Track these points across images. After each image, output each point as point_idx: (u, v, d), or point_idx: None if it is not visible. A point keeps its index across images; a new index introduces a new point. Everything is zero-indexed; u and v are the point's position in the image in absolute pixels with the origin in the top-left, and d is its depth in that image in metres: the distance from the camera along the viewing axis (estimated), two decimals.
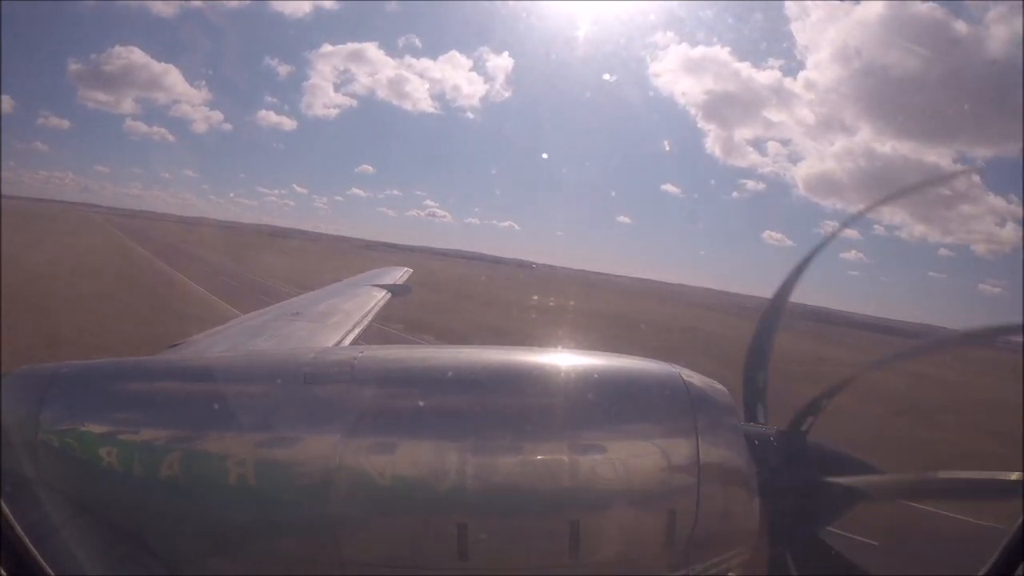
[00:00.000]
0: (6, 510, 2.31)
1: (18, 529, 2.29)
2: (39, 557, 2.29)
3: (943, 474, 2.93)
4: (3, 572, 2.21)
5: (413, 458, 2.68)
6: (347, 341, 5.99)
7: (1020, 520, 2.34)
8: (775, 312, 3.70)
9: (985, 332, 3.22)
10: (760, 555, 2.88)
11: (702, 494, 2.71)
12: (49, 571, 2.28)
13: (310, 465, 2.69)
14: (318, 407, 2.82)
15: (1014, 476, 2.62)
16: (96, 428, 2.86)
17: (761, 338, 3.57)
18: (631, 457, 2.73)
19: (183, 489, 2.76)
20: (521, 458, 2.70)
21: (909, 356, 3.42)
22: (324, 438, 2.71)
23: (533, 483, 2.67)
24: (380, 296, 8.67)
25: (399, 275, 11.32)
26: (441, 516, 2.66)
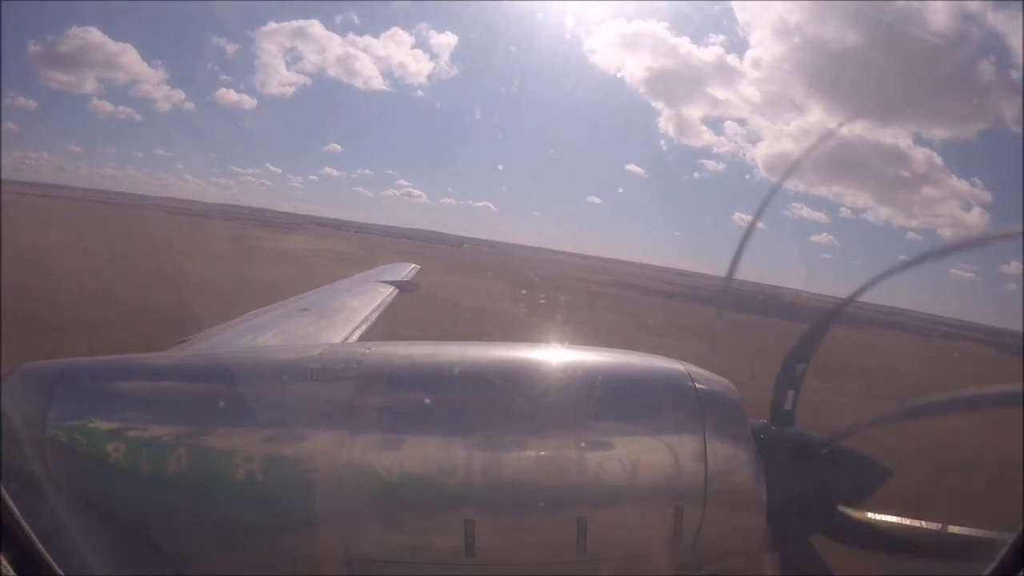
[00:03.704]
0: (13, 507, 2.29)
1: (25, 526, 2.27)
2: (46, 554, 2.27)
3: (953, 529, 2.86)
4: (10, 569, 2.19)
5: (421, 454, 2.69)
6: (355, 337, 6.01)
7: (1022, 525, 2.33)
8: (840, 310, 3.60)
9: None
10: (763, 554, 2.90)
11: (709, 491, 2.72)
12: (56, 568, 2.26)
13: (318, 461, 2.69)
14: (326, 403, 2.81)
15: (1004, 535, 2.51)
16: (104, 425, 2.85)
17: (816, 330, 3.44)
18: (638, 454, 2.74)
19: (191, 486, 2.75)
20: (528, 454, 2.71)
21: (925, 414, 3.46)
22: (332, 434, 2.71)
23: (540, 479, 2.68)
24: (387, 292, 8.73)
25: (406, 271, 11.39)
26: (448, 512, 2.67)
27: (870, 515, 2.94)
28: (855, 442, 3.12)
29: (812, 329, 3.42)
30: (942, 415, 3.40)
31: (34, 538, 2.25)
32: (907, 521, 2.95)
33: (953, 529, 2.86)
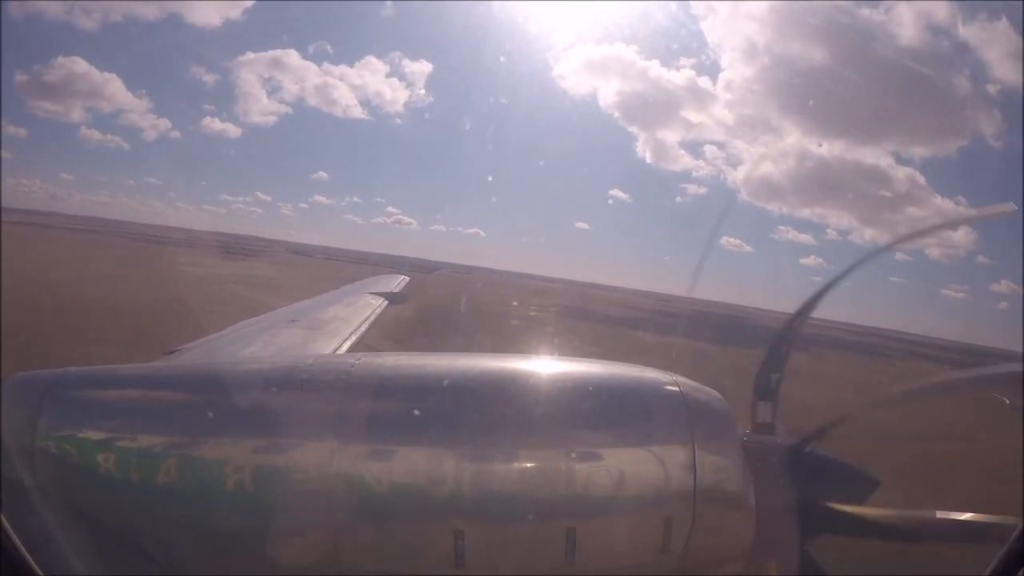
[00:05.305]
0: (2, 517, 2.28)
1: (14, 536, 2.26)
2: (35, 565, 2.26)
3: (940, 514, 2.89)
4: None
5: (410, 465, 2.70)
6: (344, 348, 5.99)
7: (1021, 524, 2.36)
8: (801, 317, 3.54)
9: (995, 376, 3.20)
10: (753, 565, 2.90)
11: (698, 503, 2.73)
12: None
13: (307, 472, 2.69)
14: (315, 414, 2.82)
15: (1012, 520, 2.59)
16: (94, 434, 2.85)
17: (782, 341, 3.46)
18: (627, 465, 2.75)
19: (180, 495, 2.74)
20: (518, 465, 2.72)
21: (915, 396, 3.45)
22: (321, 445, 2.72)
23: (530, 490, 2.68)
24: (377, 304, 8.72)
25: (395, 283, 11.42)
26: (438, 523, 2.67)
27: (859, 509, 2.95)
28: (844, 452, 3.14)
29: (780, 339, 3.44)
30: (936, 396, 3.44)
31: (23, 548, 2.25)
32: (896, 512, 2.97)
33: (941, 515, 2.89)
